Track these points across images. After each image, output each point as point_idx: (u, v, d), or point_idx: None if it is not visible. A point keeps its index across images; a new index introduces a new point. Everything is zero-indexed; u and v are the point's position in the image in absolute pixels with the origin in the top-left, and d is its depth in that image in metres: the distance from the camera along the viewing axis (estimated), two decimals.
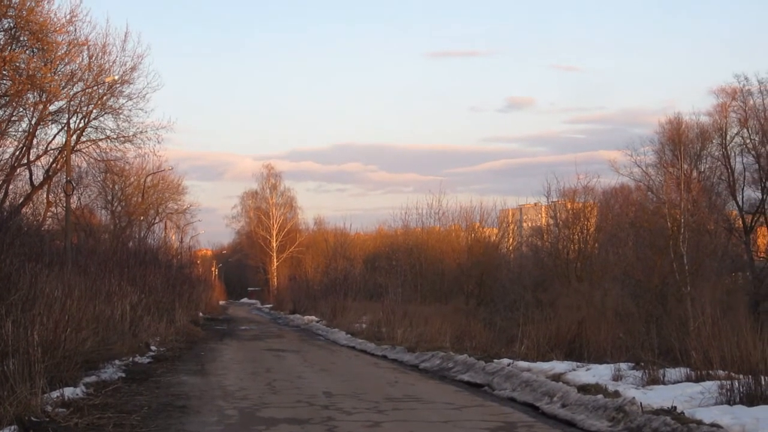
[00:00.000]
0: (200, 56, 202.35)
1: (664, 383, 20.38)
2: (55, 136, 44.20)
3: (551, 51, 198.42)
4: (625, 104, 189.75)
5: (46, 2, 34.81)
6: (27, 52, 35.15)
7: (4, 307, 17.66)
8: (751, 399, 16.84)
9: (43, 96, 38.73)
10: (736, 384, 17.47)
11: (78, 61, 40.62)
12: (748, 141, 57.44)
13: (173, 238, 77.27)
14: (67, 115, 42.49)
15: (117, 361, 25.22)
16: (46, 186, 45.90)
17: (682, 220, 45.32)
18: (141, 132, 45.53)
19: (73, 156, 44.09)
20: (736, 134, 58.21)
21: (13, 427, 13.65)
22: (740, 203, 57.89)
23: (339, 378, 25.29)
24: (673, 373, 21.22)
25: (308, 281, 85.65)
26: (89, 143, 45.94)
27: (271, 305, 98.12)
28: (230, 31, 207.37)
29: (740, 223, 57.80)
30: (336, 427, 16.06)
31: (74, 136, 43.65)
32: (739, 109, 57.91)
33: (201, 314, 61.53)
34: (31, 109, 39.69)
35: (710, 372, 19.89)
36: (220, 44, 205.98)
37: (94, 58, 41.85)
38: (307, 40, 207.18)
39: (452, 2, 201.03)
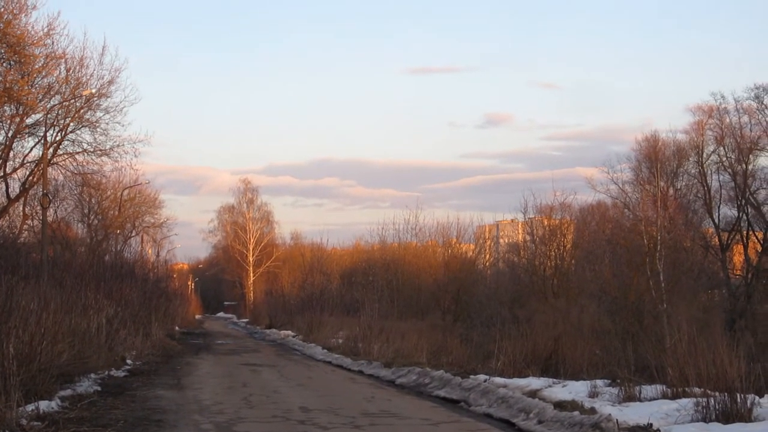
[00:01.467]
0: (177, 70, 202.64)
1: (640, 400, 20.46)
2: (31, 149, 44.19)
3: (530, 68, 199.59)
4: (602, 121, 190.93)
5: (23, 15, 34.88)
6: (4, 64, 35.18)
7: None
8: (726, 416, 16.93)
9: (20, 109, 38.73)
10: (712, 401, 17.55)
11: (55, 74, 40.64)
12: (724, 159, 57.80)
13: (150, 252, 77.21)
14: (44, 128, 42.43)
15: (93, 375, 25.16)
16: (23, 199, 45.85)
17: (659, 238, 45.45)
18: (118, 145, 45.52)
19: (49, 169, 44.10)
20: (713, 152, 58.54)
21: None
22: (716, 221, 58.20)
23: (315, 393, 25.29)
24: (649, 390, 21.30)
25: (285, 296, 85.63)
26: (66, 156, 45.91)
27: (247, 320, 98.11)
28: (207, 45, 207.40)
29: (716, 240, 58.06)
30: None
31: (51, 149, 43.62)
32: (716, 126, 58.27)
33: (177, 328, 61.52)
34: (8, 121, 39.68)
35: (686, 389, 19.96)
36: (198, 58, 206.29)
37: (71, 71, 41.85)
38: (284, 53, 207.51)
39: (432, 19, 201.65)
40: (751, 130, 56.85)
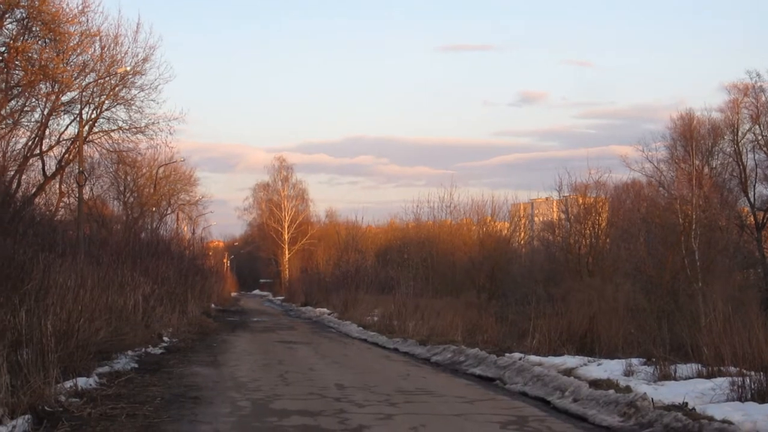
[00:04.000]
0: (212, 48, 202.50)
1: (675, 379, 20.37)
2: (67, 127, 44.29)
3: (564, 46, 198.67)
4: (636, 100, 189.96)
5: None
6: (39, 42, 35.23)
7: (17, 296, 17.71)
8: (762, 396, 16.84)
9: (56, 86, 38.79)
10: (748, 380, 17.46)
11: (90, 52, 40.71)
12: (760, 137, 57.37)
13: (185, 229, 77.49)
14: (79, 106, 42.51)
15: (130, 352, 25.25)
16: (59, 176, 45.95)
17: (694, 216, 45.30)
18: (153, 123, 45.59)
19: (85, 147, 44.21)
20: (748, 130, 58.14)
21: (27, 417, 13.69)
22: (752, 200, 57.80)
23: (351, 370, 25.31)
24: (684, 369, 21.20)
25: (320, 273, 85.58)
26: (101, 134, 45.99)
27: (282, 297, 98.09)
28: (242, 24, 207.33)
29: (752, 219, 57.68)
30: (348, 419, 16.08)
31: (86, 127, 43.71)
32: (751, 105, 57.86)
33: (213, 305, 61.58)
34: (44, 99, 39.74)
35: (722, 368, 19.87)
36: (233, 36, 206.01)
37: (106, 48, 41.93)
38: (319, 33, 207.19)
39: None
40: None
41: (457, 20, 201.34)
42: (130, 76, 43.61)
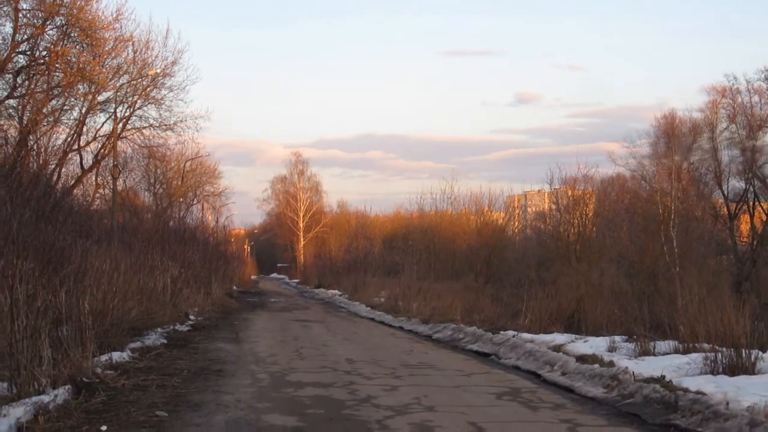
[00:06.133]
0: (235, 52, 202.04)
1: (654, 354, 20.44)
2: (103, 124, 44.37)
3: (556, 51, 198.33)
4: (623, 100, 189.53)
5: (94, 1, 35.07)
6: (77, 47, 35.29)
7: (58, 278, 17.78)
8: (732, 369, 16.94)
9: (92, 87, 38.86)
10: (720, 356, 17.55)
11: (123, 56, 40.79)
12: (735, 135, 57.31)
13: (209, 218, 77.31)
14: (113, 105, 42.66)
15: (159, 329, 25.36)
16: (95, 170, 46.04)
17: (673, 208, 45.28)
18: (181, 121, 45.67)
19: (119, 142, 44.39)
20: (725, 129, 58.05)
21: (67, 387, 13.78)
22: (726, 192, 57.73)
23: (360, 346, 25.39)
24: (662, 345, 21.29)
25: (332, 258, 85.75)
26: (134, 131, 46.10)
27: (297, 280, 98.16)
28: (263, 28, 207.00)
29: (725, 210, 57.67)
30: (357, 390, 16.15)
31: (120, 124, 43.87)
32: (728, 105, 57.82)
33: (235, 287, 61.64)
34: (82, 99, 39.80)
35: (696, 345, 19.96)
36: (255, 40, 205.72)
37: (138, 52, 42.01)
38: (335, 38, 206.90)
39: (466, 5, 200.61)
40: (761, 109, 56.54)
41: (460, 28, 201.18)
42: (160, 78, 43.71)
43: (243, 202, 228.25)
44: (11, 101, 33.72)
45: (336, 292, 62.86)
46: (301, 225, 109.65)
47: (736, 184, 58.06)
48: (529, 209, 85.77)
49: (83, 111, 41.03)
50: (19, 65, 33.37)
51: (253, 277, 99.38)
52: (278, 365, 20.04)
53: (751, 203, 57.55)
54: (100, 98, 41.48)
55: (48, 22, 33.52)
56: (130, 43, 40.84)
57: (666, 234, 44.06)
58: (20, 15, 32.30)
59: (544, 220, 65.61)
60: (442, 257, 60.60)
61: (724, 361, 17.37)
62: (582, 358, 19.33)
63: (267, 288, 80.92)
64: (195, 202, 72.04)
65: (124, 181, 53.18)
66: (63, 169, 40.49)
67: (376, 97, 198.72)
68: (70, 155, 41.63)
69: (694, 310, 22.20)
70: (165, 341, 23.58)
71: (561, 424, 13.21)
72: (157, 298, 29.10)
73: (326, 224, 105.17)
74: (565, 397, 16.10)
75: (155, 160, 55.48)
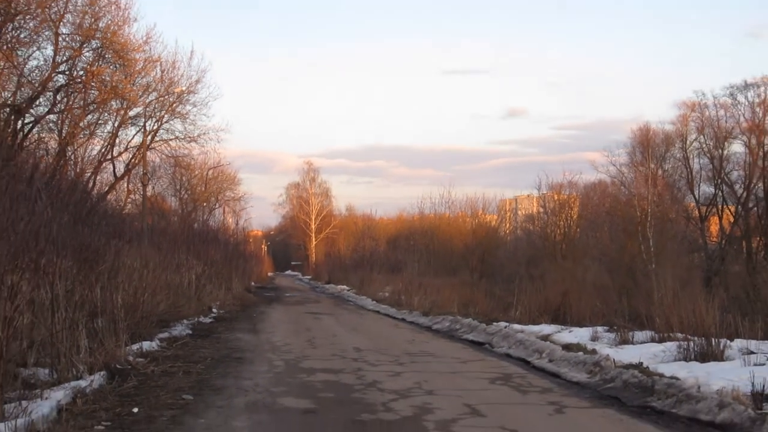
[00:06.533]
0: (253, 69, 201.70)
1: (632, 343, 20.47)
2: (133, 137, 44.40)
3: (542, 69, 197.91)
4: (602, 114, 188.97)
5: (126, 26, 35.06)
6: (111, 67, 35.33)
7: (93, 275, 17.79)
8: (703, 356, 16.97)
9: (124, 103, 38.91)
10: (692, 344, 17.59)
11: (152, 75, 40.82)
12: (704, 145, 57.40)
13: (230, 220, 77.13)
14: (143, 119, 42.76)
15: (185, 321, 25.34)
16: (127, 177, 46.09)
17: (649, 210, 45.35)
18: (204, 133, 45.64)
19: (148, 153, 44.41)
20: (695, 140, 58.11)
21: (102, 373, 13.81)
22: (697, 197, 57.85)
23: (366, 336, 25.37)
24: (640, 335, 21.32)
25: (341, 257, 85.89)
26: (161, 142, 46.08)
27: (310, 276, 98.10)
28: (278, 48, 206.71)
29: (697, 213, 57.77)
30: (364, 376, 16.16)
31: (149, 137, 43.87)
32: (697, 119, 57.83)
33: (253, 283, 61.54)
34: (114, 114, 39.86)
35: (670, 334, 19.97)
36: (271, 60, 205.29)
37: (165, 72, 42.03)
38: (343, 56, 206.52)
39: (461, 28, 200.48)
40: (726, 122, 56.55)
41: (458, 48, 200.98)
42: (185, 95, 43.68)
43: (260, 206, 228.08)
44: (51, 116, 33.78)
45: (344, 287, 62.80)
46: (313, 227, 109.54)
47: (706, 189, 58.31)
48: (519, 212, 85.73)
49: (116, 125, 41.11)
50: (59, 84, 33.40)
51: (269, 274, 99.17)
52: (292, 353, 20.04)
53: (719, 206, 57.71)
54: (131, 113, 41.57)
55: (85, 45, 33.55)
56: (158, 63, 40.92)
57: (643, 234, 44.15)
58: (60, 39, 32.35)
59: (533, 222, 65.84)
60: (441, 255, 60.63)
61: (695, 349, 17.41)
62: (567, 347, 19.32)
63: (282, 284, 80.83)
64: (217, 206, 72.08)
65: (153, 188, 53.32)
66: (98, 177, 40.60)
67: (381, 111, 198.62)
68: (104, 164, 41.71)
69: (669, 302, 22.29)
70: (190, 332, 23.58)
71: (548, 406, 13.22)
72: (183, 293, 29.14)
73: (335, 226, 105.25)
74: (552, 381, 16.09)
75: (181, 169, 55.53)
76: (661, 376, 14.41)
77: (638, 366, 15.66)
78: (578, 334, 22.92)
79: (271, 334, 25.52)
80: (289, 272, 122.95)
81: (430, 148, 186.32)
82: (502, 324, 25.83)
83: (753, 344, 18.13)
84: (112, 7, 33.59)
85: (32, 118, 32.70)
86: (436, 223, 68.09)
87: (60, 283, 14.72)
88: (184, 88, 43.41)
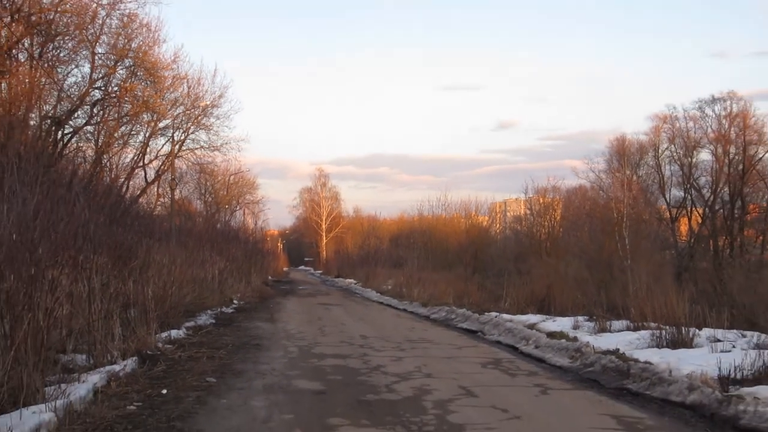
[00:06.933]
0: (270, 84, 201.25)
1: (610, 331, 20.44)
2: (162, 146, 44.57)
3: (529, 85, 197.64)
4: (583, 126, 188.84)
5: (156, 47, 35.03)
6: (142, 83, 35.30)
7: (126, 270, 17.79)
8: (674, 344, 16.95)
9: (154, 116, 38.91)
10: (664, 333, 17.59)
11: (180, 90, 40.82)
12: (674, 154, 57.30)
13: (249, 221, 77.00)
14: (171, 130, 42.74)
15: (209, 311, 25.34)
16: (156, 182, 46.05)
17: (624, 212, 45.27)
18: (226, 143, 45.63)
19: (176, 160, 44.39)
20: (666, 149, 57.97)
21: (134, 358, 13.81)
22: (668, 200, 57.74)
23: (371, 325, 25.34)
24: (617, 324, 21.31)
25: (348, 254, 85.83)
26: (188, 151, 46.07)
27: (321, 271, 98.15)
28: (290, 65, 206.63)
29: (668, 214, 57.67)
30: (369, 360, 16.15)
31: (177, 146, 43.84)
32: (669, 130, 57.67)
33: (270, 277, 61.54)
34: (145, 126, 39.84)
35: (644, 324, 19.98)
36: (286, 75, 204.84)
37: (191, 88, 42.02)
38: (349, 70, 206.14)
39: (458, 49, 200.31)
40: (695, 133, 56.41)
41: (455, 68, 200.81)
42: (209, 109, 43.67)
43: (276, 209, 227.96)
44: (89, 127, 33.75)
45: (352, 280, 62.86)
46: (324, 227, 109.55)
47: (676, 193, 58.25)
48: (508, 214, 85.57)
49: (147, 135, 41.09)
50: (95, 98, 33.38)
51: (284, 269, 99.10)
52: (305, 340, 20.03)
53: (689, 209, 57.69)
54: (161, 125, 41.54)
55: (119, 64, 33.53)
56: (185, 80, 40.93)
57: (619, 233, 44.06)
58: (96, 57, 32.32)
59: (520, 223, 65.93)
60: (438, 253, 60.65)
61: (667, 337, 17.40)
62: (551, 335, 19.31)
63: (296, 278, 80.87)
64: (238, 208, 72.00)
65: (180, 192, 53.24)
66: (130, 182, 40.55)
67: (385, 122, 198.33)
68: (136, 171, 41.67)
69: (643, 295, 22.31)
70: (213, 321, 23.56)
71: (534, 388, 13.20)
72: (207, 286, 29.15)
73: (344, 226, 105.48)
74: (537, 366, 16.08)
75: (205, 175, 55.58)
76: (636, 361, 14.39)
77: (615, 352, 15.65)
78: (561, 323, 22.90)
79: (286, 323, 25.50)
80: (302, 267, 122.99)
81: (429, 157, 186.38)
82: (493, 314, 25.82)
83: (719, 333, 18.15)
84: (143, 30, 33.58)
85: (71, 129, 32.67)
86: (433, 223, 68.19)
87: (96, 278, 14.72)
88: (208, 103, 43.46)
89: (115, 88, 34.16)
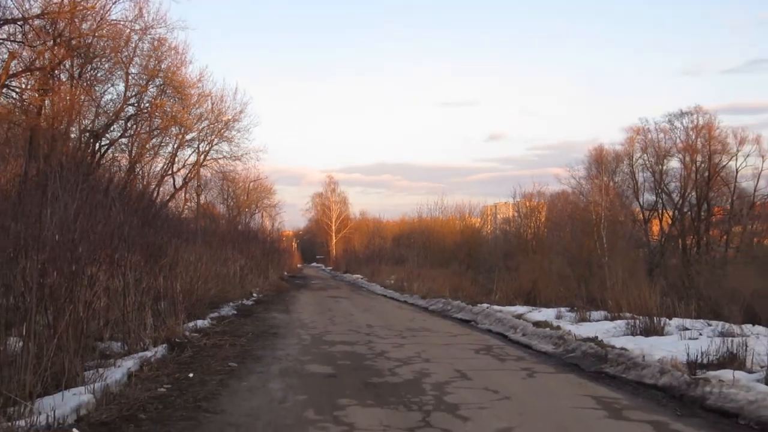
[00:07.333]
0: (284, 98, 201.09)
1: (589, 321, 20.39)
2: (189, 156, 44.29)
3: (517, 100, 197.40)
4: (565, 137, 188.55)
5: (183, 67, 35.05)
6: (171, 100, 35.27)
7: (157, 267, 17.81)
8: (647, 332, 16.93)
9: (182, 130, 38.91)
10: (637, 322, 17.55)
11: (204, 106, 40.81)
12: (647, 162, 57.21)
13: (267, 223, 76.97)
14: (197, 142, 42.72)
15: (231, 303, 25.36)
16: (184, 189, 46.04)
17: (602, 214, 45.25)
18: (246, 154, 45.53)
19: (201, 169, 44.39)
20: (639, 157, 57.87)
21: (164, 345, 13.83)
22: (641, 203, 57.72)
23: (376, 315, 25.34)
24: (595, 314, 21.26)
25: (355, 252, 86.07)
26: (212, 161, 45.98)
27: (331, 267, 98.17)
28: (302, 81, 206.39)
29: (641, 216, 57.64)
30: (374, 346, 16.16)
31: (202, 156, 43.85)
32: (642, 140, 57.58)
33: (285, 273, 61.56)
34: (174, 138, 39.83)
35: (620, 314, 19.94)
36: (299, 89, 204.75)
37: (215, 104, 42.02)
38: (357, 88, 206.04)
39: (454, 69, 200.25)
40: (665, 143, 56.38)
41: (450, 86, 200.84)
42: (231, 123, 43.67)
43: (291, 212, 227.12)
44: (123, 140, 33.76)
45: (359, 276, 62.88)
46: (333, 228, 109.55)
47: (648, 197, 58.19)
48: (498, 216, 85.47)
49: (175, 147, 41.11)
50: (129, 114, 33.37)
51: (298, 265, 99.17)
52: (317, 329, 20.03)
53: (660, 211, 57.67)
54: (188, 137, 41.53)
55: (150, 83, 33.54)
56: (209, 97, 40.94)
57: (597, 233, 44.06)
58: (130, 77, 32.33)
59: (509, 224, 65.82)
60: (435, 251, 60.65)
61: (640, 326, 17.37)
62: (537, 324, 19.29)
63: (309, 273, 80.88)
64: (256, 211, 71.92)
65: (205, 197, 53.15)
66: (160, 189, 40.56)
67: (388, 134, 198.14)
68: (165, 178, 41.66)
69: (619, 288, 22.24)
70: (235, 312, 23.57)
71: (522, 371, 13.19)
72: (229, 281, 29.18)
73: (351, 227, 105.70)
74: (525, 352, 16.07)
75: (227, 182, 55.47)
76: (613, 347, 14.39)
77: (594, 339, 15.65)
78: (546, 314, 22.85)
79: (300, 313, 25.52)
80: (314, 264, 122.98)
81: (427, 165, 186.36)
82: (485, 305, 25.79)
83: (688, 322, 18.13)
84: (172, 52, 33.56)
85: (107, 141, 32.70)
86: (431, 225, 68.27)
87: (130, 274, 14.74)
88: (230, 117, 43.45)
89: (147, 105, 34.19)
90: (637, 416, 9.71)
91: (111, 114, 32.09)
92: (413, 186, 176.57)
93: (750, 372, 11.75)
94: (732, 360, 12.54)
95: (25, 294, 9.89)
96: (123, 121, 33.33)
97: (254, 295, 31.79)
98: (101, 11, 26.66)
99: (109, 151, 33.20)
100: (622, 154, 59.31)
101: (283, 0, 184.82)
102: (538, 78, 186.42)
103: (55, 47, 24.81)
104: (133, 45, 31.43)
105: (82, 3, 25.29)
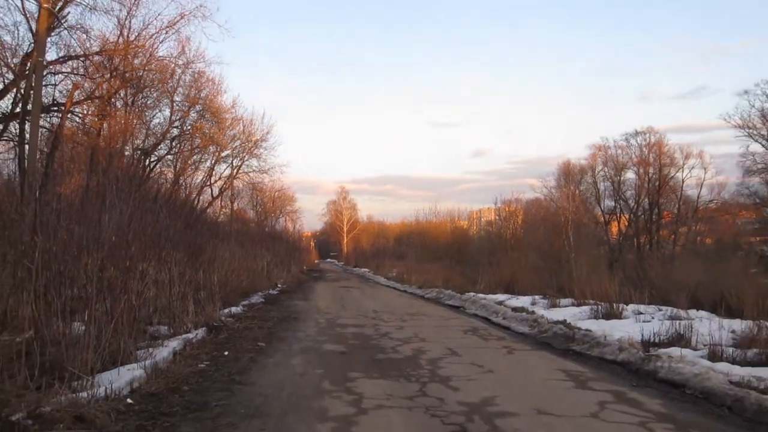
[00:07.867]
0: (305, 122, 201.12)
1: (559, 307, 20.39)
2: (224, 170, 44.16)
3: (499, 120, 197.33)
4: (537, 153, 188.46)
5: (219, 96, 34.96)
6: (209, 123, 35.19)
7: (198, 263, 17.82)
8: (608, 316, 16.95)
9: (218, 148, 38.85)
10: (600, 308, 17.59)
11: (237, 129, 40.68)
12: (607, 174, 57.07)
13: (289, 226, 76.90)
14: (231, 158, 42.59)
15: (259, 293, 25.31)
16: (220, 197, 45.98)
17: (570, 218, 45.23)
18: (272, 168, 45.36)
19: (234, 181, 44.37)
20: (601, 170, 57.82)
21: (203, 328, 13.80)
22: (602, 208, 57.58)
23: (380, 302, 25.31)
24: (564, 301, 21.26)
25: (363, 249, 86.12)
26: (243, 174, 45.79)
27: (342, 262, 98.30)
28: (319, 106, 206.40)
29: (602, 219, 57.59)
30: (379, 328, 16.15)
31: (235, 170, 43.77)
32: (603, 156, 57.41)
33: (305, 267, 61.52)
34: (211, 155, 39.69)
35: (585, 301, 19.94)
36: (316, 113, 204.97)
37: (245, 126, 41.88)
38: (364, 107, 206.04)
39: (445, 92, 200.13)
40: (622, 158, 56.29)
41: (441, 108, 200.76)
42: (259, 142, 43.65)
43: (309, 216, 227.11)
44: (169, 156, 33.67)
45: (366, 269, 62.91)
46: (345, 229, 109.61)
47: (608, 203, 58.07)
48: (482, 219, 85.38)
49: (212, 162, 40.96)
50: (174, 134, 33.28)
51: (315, 261, 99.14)
52: (331, 314, 20.00)
53: (618, 214, 57.63)
54: (223, 154, 41.39)
55: (191, 109, 33.48)
56: (241, 120, 40.83)
57: (565, 233, 44.00)
58: (174, 104, 32.26)
59: (492, 226, 65.71)
60: (430, 248, 60.59)
61: (602, 311, 17.40)
62: (515, 309, 19.27)
63: (324, 268, 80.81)
64: (280, 216, 71.79)
65: (237, 204, 53.01)
66: (200, 198, 40.50)
67: (390, 151, 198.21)
68: (204, 189, 41.58)
69: (584, 279, 22.29)
70: (263, 300, 23.52)
71: (503, 349, 13.17)
72: (258, 274, 29.15)
73: (360, 229, 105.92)
74: (505, 333, 16.04)
75: (256, 191, 55.22)
76: (579, 329, 14.39)
77: (563, 322, 15.63)
78: (523, 301, 22.85)
79: (317, 301, 25.49)
80: (329, 260, 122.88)
81: (423, 176, 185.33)
82: (472, 294, 25.78)
83: (642, 307, 18.12)
84: (210, 83, 33.48)
85: (156, 158, 32.61)
86: (426, 227, 68.37)
87: (175, 268, 14.74)
88: (258, 138, 43.39)
89: (189, 127, 34.15)
90: (600, 386, 9.71)
91: (158, 135, 32.06)
92: (412, 194, 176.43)
93: (695, 349, 11.79)
94: (679, 339, 12.54)
95: (87, 286, 9.92)
96: (168, 141, 33.29)
97: (279, 285, 31.76)
98: (150, 49, 26.66)
99: (157, 166, 33.14)
100: (587, 167, 59.26)
101: (307, 47, 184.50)
102: (516, 103, 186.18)
103: (112, 79, 24.82)
104: (177, 77, 31.40)
105: (134, 42, 25.35)
